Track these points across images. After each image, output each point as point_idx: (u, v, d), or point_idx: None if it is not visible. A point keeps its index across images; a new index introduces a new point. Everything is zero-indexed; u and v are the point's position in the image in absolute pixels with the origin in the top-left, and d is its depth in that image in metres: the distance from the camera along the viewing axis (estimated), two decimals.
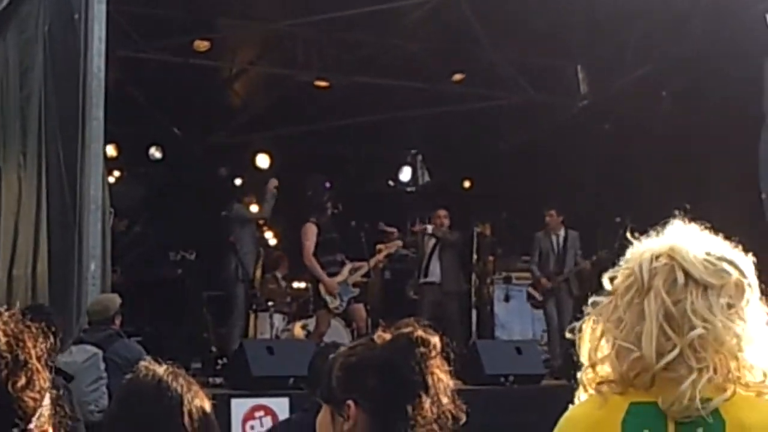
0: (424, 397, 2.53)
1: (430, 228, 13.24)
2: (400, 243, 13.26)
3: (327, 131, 15.21)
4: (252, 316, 13.24)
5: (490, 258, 14.46)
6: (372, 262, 12.44)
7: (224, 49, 13.71)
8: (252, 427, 9.14)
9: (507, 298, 14.21)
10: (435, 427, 2.53)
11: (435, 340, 2.57)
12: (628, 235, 2.31)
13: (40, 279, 9.64)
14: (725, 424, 2.10)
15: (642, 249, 2.24)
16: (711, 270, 2.18)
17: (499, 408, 9.57)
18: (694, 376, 2.09)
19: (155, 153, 15.74)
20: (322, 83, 14.42)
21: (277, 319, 13.07)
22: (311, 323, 12.61)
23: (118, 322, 8.51)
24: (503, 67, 13.89)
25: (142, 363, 2.59)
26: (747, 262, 2.23)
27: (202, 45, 13.36)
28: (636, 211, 10.56)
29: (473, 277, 13.56)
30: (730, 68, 11.73)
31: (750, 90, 11.58)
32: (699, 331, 2.11)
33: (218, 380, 10.32)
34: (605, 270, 2.29)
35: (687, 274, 2.16)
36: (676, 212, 2.32)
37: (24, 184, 10.26)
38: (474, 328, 13.49)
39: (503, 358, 10.75)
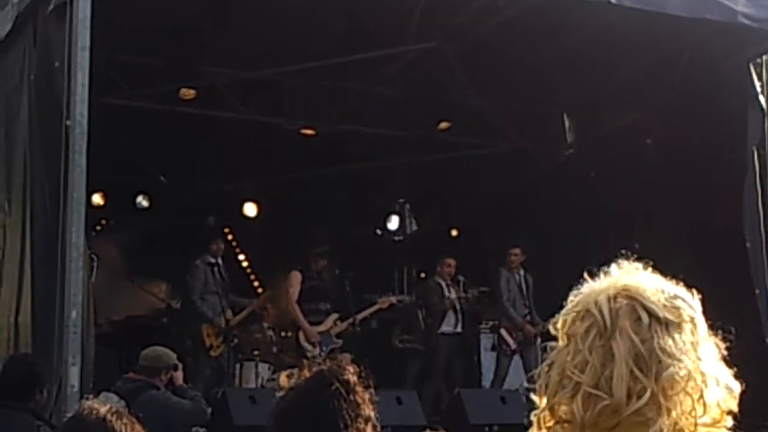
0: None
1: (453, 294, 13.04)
2: (393, 299, 13.17)
3: (314, 179, 15.19)
4: (237, 366, 13.13)
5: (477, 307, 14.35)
6: (360, 315, 12.34)
7: (210, 97, 13.71)
8: None
9: (494, 347, 14.10)
10: None
11: (349, 374, 2.58)
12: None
13: (23, 327, 9.56)
14: None
15: (591, 290, 2.18)
16: (669, 307, 2.13)
17: None
18: (663, 418, 2.04)
19: (142, 201, 15.69)
20: (309, 131, 14.42)
21: (263, 368, 12.95)
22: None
23: (165, 378, 8.40)
24: (489, 115, 13.92)
25: (85, 401, 2.57)
26: (694, 299, 2.20)
27: (188, 93, 13.37)
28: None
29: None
30: (713, 115, 11.78)
31: (733, 136, 11.62)
32: (673, 369, 2.05)
33: (201, 430, 10.21)
34: None
35: (649, 313, 2.10)
36: (623, 252, 2.28)
37: (8, 233, 10.21)
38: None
39: (487, 408, 10.69)
